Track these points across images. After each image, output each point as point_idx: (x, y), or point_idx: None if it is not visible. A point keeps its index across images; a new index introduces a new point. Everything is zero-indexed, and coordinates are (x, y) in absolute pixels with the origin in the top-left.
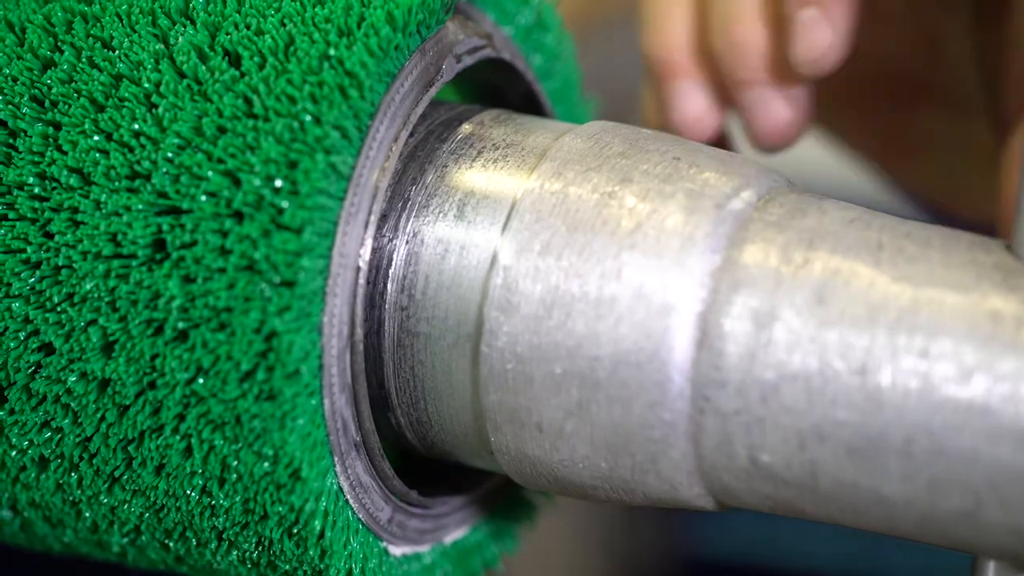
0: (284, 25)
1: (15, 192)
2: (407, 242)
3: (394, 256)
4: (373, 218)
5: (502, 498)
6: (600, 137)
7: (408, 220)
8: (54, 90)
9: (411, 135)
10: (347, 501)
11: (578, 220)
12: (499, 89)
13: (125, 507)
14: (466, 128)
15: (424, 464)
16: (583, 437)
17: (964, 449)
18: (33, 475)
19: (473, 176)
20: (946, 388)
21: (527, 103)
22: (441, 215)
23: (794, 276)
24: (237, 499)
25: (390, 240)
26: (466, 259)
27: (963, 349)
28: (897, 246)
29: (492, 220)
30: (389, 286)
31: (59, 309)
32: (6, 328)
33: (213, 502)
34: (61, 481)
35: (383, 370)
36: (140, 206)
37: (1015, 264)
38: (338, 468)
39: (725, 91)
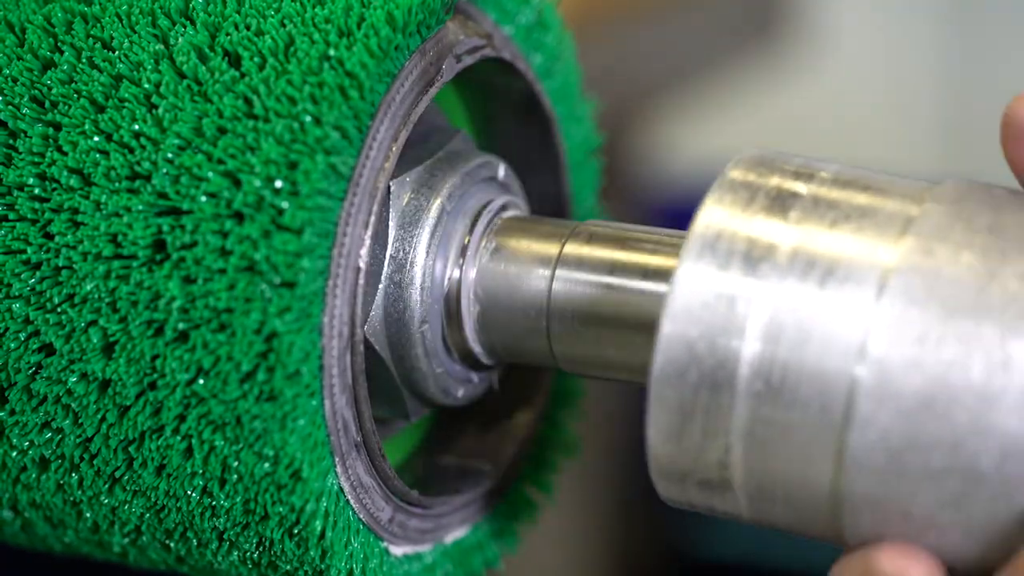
0: (284, 26)
1: (15, 193)
2: (762, 318)
3: (746, 332)
4: (373, 219)
5: (502, 497)
6: (963, 204)
7: (761, 290)
8: (54, 91)
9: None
10: (348, 501)
11: (956, 305)
12: (499, 89)
13: (126, 507)
14: (809, 188)
15: (424, 464)
16: (957, 526)
17: None
18: (34, 476)
19: (832, 246)
20: None
21: (527, 102)
22: (800, 288)
23: None
24: (238, 500)
25: (744, 312)
26: (831, 346)
27: None
28: None
29: (859, 298)
30: (742, 369)
31: (59, 310)
32: (7, 329)
33: (214, 502)
34: (62, 481)
35: (729, 455)
36: (140, 207)
37: None
38: (339, 468)
39: None
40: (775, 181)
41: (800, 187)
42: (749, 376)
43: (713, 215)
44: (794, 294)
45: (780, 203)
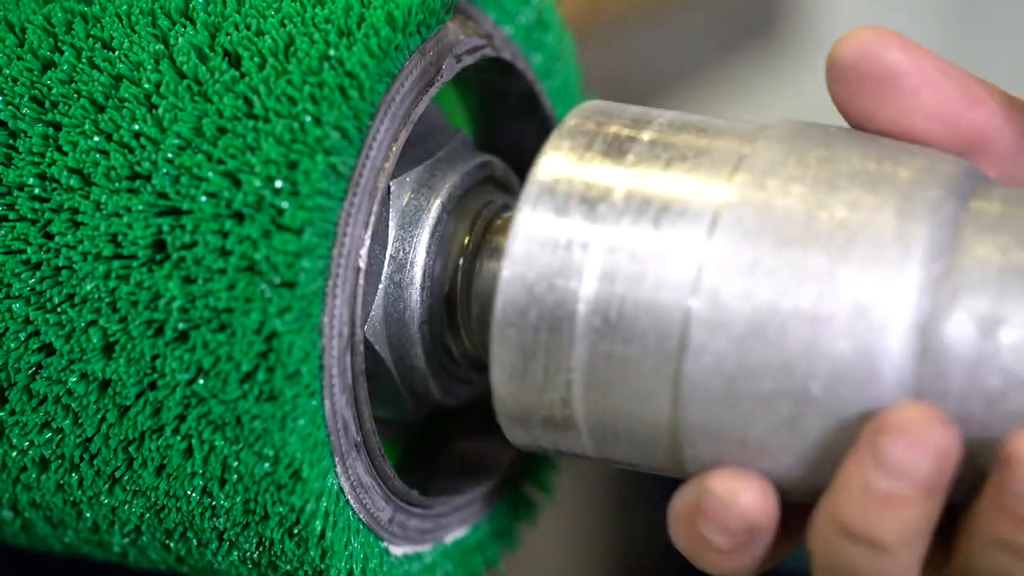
0: (284, 26)
1: (15, 193)
2: (599, 258)
3: (584, 272)
4: (373, 219)
5: (502, 497)
6: (795, 142)
7: (597, 232)
8: (54, 91)
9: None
10: (348, 501)
11: (787, 234)
12: (499, 89)
13: (126, 507)
14: (646, 133)
15: (424, 464)
16: (790, 450)
17: None
18: (34, 476)
19: (667, 186)
20: None
21: (527, 102)
22: (636, 228)
23: (1019, 277)
24: (238, 500)
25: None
26: (666, 280)
27: None
28: None
29: (692, 234)
30: (580, 307)
31: (59, 310)
32: (7, 329)
33: (214, 503)
34: (62, 482)
35: (571, 392)
36: (140, 207)
37: None
38: (339, 468)
39: None
40: (613, 128)
41: (637, 132)
42: (587, 313)
43: (550, 162)
44: (630, 233)
45: (617, 147)
